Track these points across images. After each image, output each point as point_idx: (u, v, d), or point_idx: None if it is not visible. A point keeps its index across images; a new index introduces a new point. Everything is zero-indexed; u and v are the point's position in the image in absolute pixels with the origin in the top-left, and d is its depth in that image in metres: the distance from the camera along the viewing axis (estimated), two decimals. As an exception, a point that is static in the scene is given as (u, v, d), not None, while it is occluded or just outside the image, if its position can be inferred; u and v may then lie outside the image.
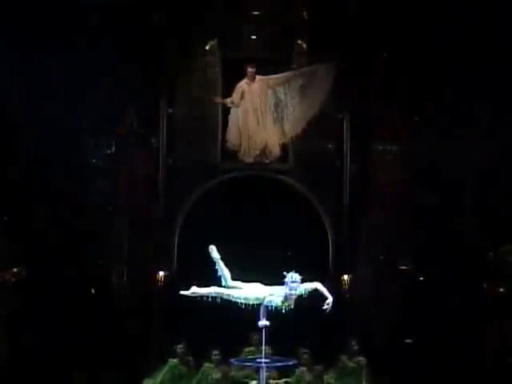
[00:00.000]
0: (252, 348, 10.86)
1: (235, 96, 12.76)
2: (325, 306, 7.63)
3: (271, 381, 9.87)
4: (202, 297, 7.52)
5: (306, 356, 10.67)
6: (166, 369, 10.59)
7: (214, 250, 7.68)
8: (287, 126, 12.86)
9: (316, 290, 7.61)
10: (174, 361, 10.66)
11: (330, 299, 7.65)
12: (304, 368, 10.53)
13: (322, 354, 11.06)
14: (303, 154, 12.94)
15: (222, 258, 7.67)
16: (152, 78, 12.58)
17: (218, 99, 12.83)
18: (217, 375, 10.56)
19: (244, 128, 12.79)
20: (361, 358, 10.88)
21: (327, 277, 12.05)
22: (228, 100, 12.78)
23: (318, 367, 10.76)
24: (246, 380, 10.50)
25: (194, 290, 7.53)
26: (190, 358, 10.76)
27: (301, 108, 12.85)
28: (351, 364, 10.84)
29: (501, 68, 11.68)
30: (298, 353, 10.54)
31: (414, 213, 12.38)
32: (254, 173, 12.81)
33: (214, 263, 7.69)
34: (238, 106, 12.74)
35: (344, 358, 10.90)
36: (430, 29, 11.93)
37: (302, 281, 7.39)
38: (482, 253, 11.95)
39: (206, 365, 10.67)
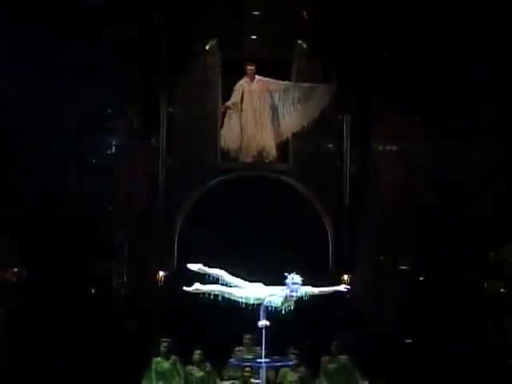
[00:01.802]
0: (242, 348, 10.93)
1: (235, 95, 12.79)
2: (343, 289, 7.77)
3: (252, 380, 9.91)
4: (204, 294, 7.50)
5: (293, 356, 10.63)
6: (152, 368, 10.69)
7: (191, 266, 7.63)
8: (278, 130, 12.89)
9: (318, 295, 7.62)
10: (158, 359, 10.74)
11: (342, 287, 7.79)
12: (287, 368, 10.54)
13: (321, 354, 11.10)
14: (303, 154, 12.95)
15: (205, 261, 7.63)
16: (152, 77, 12.59)
17: (223, 106, 12.84)
18: (199, 374, 10.69)
19: (243, 128, 12.81)
20: (341, 357, 10.89)
21: (327, 277, 12.08)
22: (229, 103, 12.80)
23: (302, 368, 10.78)
24: (232, 381, 10.61)
25: (197, 286, 7.50)
26: (174, 356, 10.83)
27: (291, 118, 12.89)
28: (330, 365, 10.88)
29: (501, 68, 11.67)
30: (287, 353, 10.55)
31: (414, 213, 12.38)
32: (254, 173, 12.82)
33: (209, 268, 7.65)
34: (239, 109, 12.76)
35: (324, 359, 10.94)
36: (431, 29, 11.93)
37: (303, 282, 7.38)
38: (482, 253, 11.94)
39: (188, 368, 10.78)
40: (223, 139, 12.85)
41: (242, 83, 12.83)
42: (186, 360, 10.99)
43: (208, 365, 10.90)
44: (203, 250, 10.46)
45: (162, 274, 12.39)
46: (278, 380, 10.69)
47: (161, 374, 10.70)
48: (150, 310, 12.26)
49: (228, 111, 12.90)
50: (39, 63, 11.54)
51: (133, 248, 12.49)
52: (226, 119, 12.90)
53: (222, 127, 12.91)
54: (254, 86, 12.84)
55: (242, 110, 12.82)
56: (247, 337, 10.88)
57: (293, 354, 10.63)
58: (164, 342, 10.86)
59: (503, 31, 11.50)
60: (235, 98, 12.81)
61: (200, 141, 12.88)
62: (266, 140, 12.80)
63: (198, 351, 10.92)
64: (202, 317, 11.04)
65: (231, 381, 10.69)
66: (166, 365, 10.76)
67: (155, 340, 11.17)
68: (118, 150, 12.71)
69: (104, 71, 11.97)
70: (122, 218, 12.47)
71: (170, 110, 12.91)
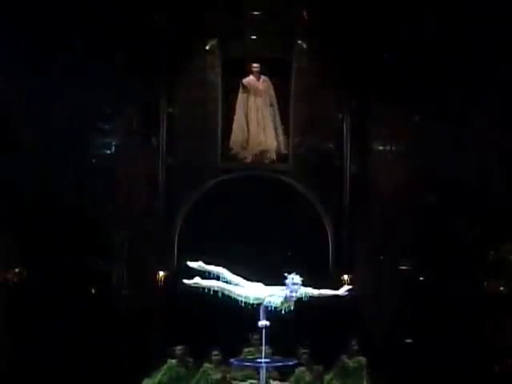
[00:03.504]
0: (252, 348, 10.91)
1: (245, 81, 12.92)
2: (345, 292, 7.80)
3: (271, 381, 9.89)
4: (203, 289, 7.49)
5: (305, 356, 10.68)
6: (163, 370, 10.61)
7: (191, 264, 7.63)
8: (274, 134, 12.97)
9: (318, 296, 7.63)
10: (173, 362, 10.66)
11: (343, 291, 7.78)
12: (303, 368, 10.55)
13: (322, 354, 11.07)
14: (303, 154, 12.96)
15: (205, 261, 7.63)
16: (152, 77, 12.59)
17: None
18: (216, 375, 10.57)
19: (246, 127, 12.84)
20: (361, 358, 10.92)
21: (327, 277, 12.09)
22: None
23: (318, 367, 10.77)
24: (250, 381, 10.54)
25: (197, 280, 7.49)
26: (190, 359, 10.77)
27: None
28: (351, 364, 10.87)
29: (501, 68, 11.67)
30: (297, 353, 10.56)
31: (414, 213, 12.38)
32: (254, 173, 12.83)
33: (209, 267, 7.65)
34: (246, 98, 12.86)
35: (344, 357, 10.93)
36: (431, 29, 11.93)
37: (303, 282, 7.38)
38: (481, 253, 11.94)
39: (206, 365, 10.69)
40: (232, 134, 12.88)
41: (249, 80, 12.88)
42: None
43: (225, 367, 10.75)
44: (203, 250, 10.45)
45: (161, 273, 12.40)
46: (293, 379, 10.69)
47: (174, 378, 10.61)
48: (150, 310, 12.25)
49: (238, 99, 12.89)
50: (39, 63, 11.53)
51: (133, 248, 12.49)
52: (236, 110, 12.91)
53: (223, 127, 12.92)
54: (260, 85, 12.90)
55: (247, 108, 12.84)
56: (255, 337, 10.82)
57: (304, 353, 10.66)
58: (179, 346, 10.68)
59: (503, 30, 11.51)
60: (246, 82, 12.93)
61: (200, 141, 12.89)
62: (268, 142, 12.84)
63: (215, 352, 10.71)
64: (202, 316, 11.04)
65: (250, 381, 10.62)
66: (182, 370, 10.63)
67: (166, 342, 11.16)
68: (118, 150, 12.72)
69: (104, 71, 11.97)
70: (122, 217, 12.47)
71: (170, 110, 12.93)
